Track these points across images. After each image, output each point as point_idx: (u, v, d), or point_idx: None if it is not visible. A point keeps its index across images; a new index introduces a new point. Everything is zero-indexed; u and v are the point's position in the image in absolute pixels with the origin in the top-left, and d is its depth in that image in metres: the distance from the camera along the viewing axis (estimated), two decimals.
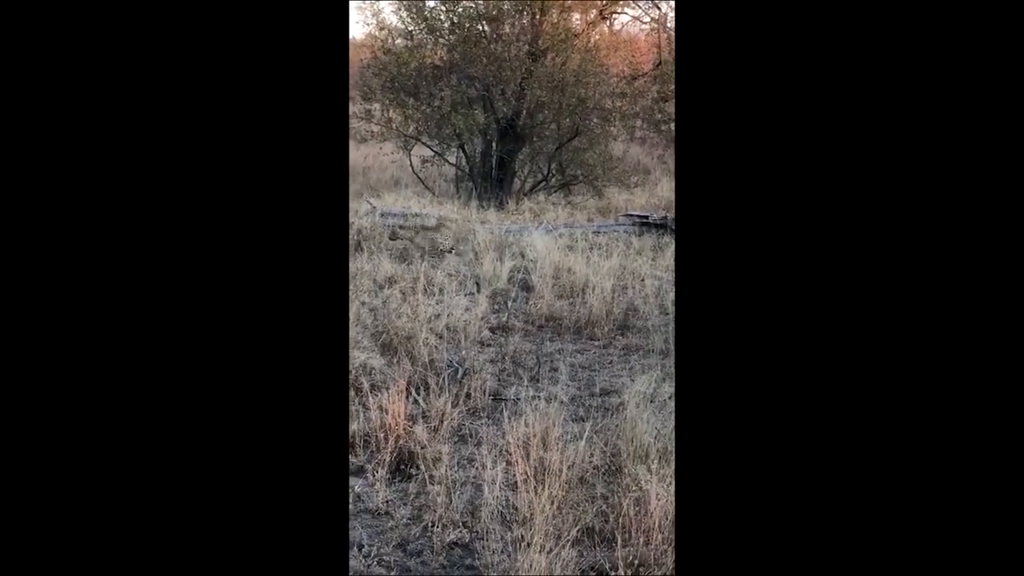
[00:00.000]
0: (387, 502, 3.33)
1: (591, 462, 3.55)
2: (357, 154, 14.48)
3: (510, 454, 3.50)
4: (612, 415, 4.11)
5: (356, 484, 3.48)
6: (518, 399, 4.38)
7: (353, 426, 3.83)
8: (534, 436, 3.55)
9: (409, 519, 3.22)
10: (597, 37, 12.76)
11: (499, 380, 4.78)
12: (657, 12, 14.04)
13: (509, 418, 3.83)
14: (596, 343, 5.59)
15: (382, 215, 9.52)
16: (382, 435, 3.74)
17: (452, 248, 8.03)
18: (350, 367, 4.53)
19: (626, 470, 3.44)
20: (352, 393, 4.19)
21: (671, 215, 8.94)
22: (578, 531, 3.01)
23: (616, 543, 2.94)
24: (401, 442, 3.70)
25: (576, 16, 12.39)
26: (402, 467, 3.61)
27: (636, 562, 2.87)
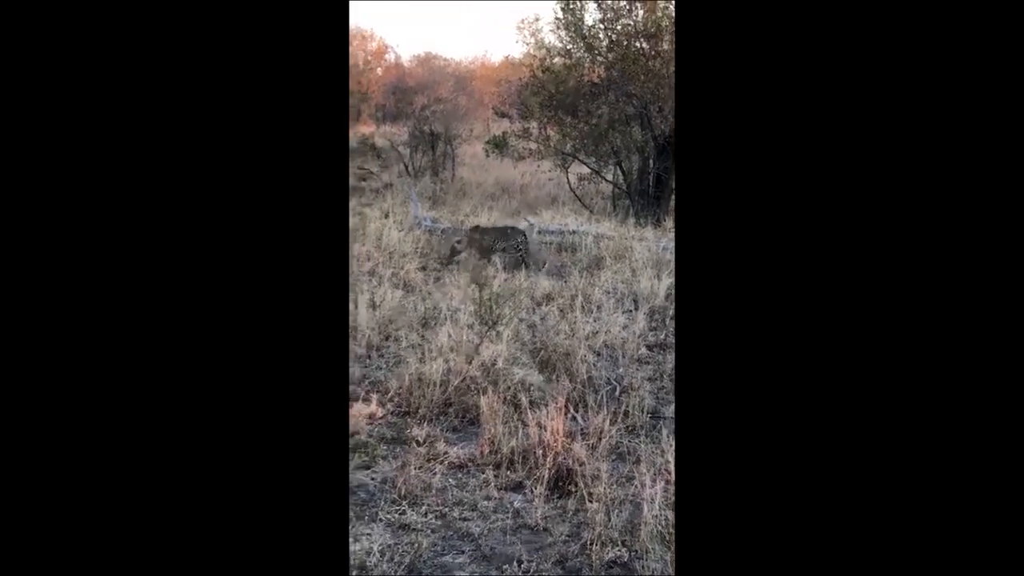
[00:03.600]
0: (545, 518, 3.34)
1: None
2: (515, 172, 14.68)
3: (669, 472, 3.45)
4: None
5: (515, 500, 3.51)
6: None
7: (512, 442, 3.87)
8: None
9: (568, 536, 3.22)
10: None
11: (657, 398, 4.73)
12: None
13: (668, 436, 3.78)
14: None
15: (539, 232, 9.62)
16: (540, 452, 3.76)
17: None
18: (508, 383, 4.59)
19: None
20: (511, 409, 4.23)
21: None
22: None
23: None
24: (559, 459, 3.70)
25: None
26: (560, 484, 3.61)
27: None
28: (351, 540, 3.10)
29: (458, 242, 8.28)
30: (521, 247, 8.27)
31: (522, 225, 10.01)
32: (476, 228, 8.67)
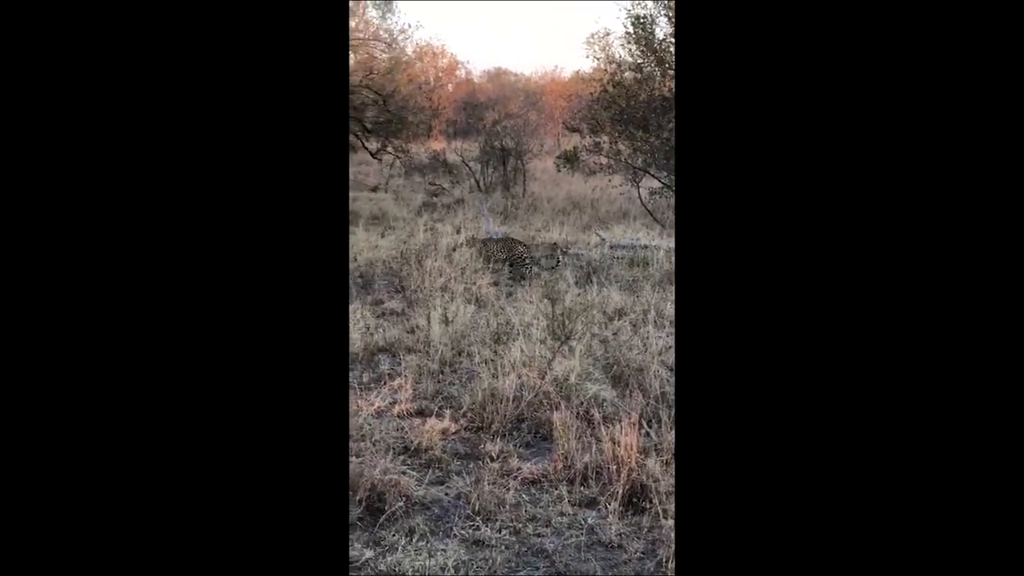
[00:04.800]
0: (620, 535, 3.32)
1: None
2: (586, 186, 14.68)
3: None
4: None
5: (589, 516, 3.50)
6: None
7: (585, 458, 3.86)
8: None
9: (642, 553, 3.20)
10: None
11: None
12: None
13: None
14: None
15: (611, 247, 9.59)
16: (614, 467, 3.74)
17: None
18: (581, 398, 4.58)
19: None
20: (584, 424, 4.22)
21: None
22: None
23: None
24: (633, 475, 3.68)
25: None
26: (634, 500, 3.59)
27: None
28: (427, 555, 3.13)
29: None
30: (527, 258, 8.22)
31: (593, 240, 9.99)
32: (472, 239, 8.65)
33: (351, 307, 6.63)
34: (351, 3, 16.77)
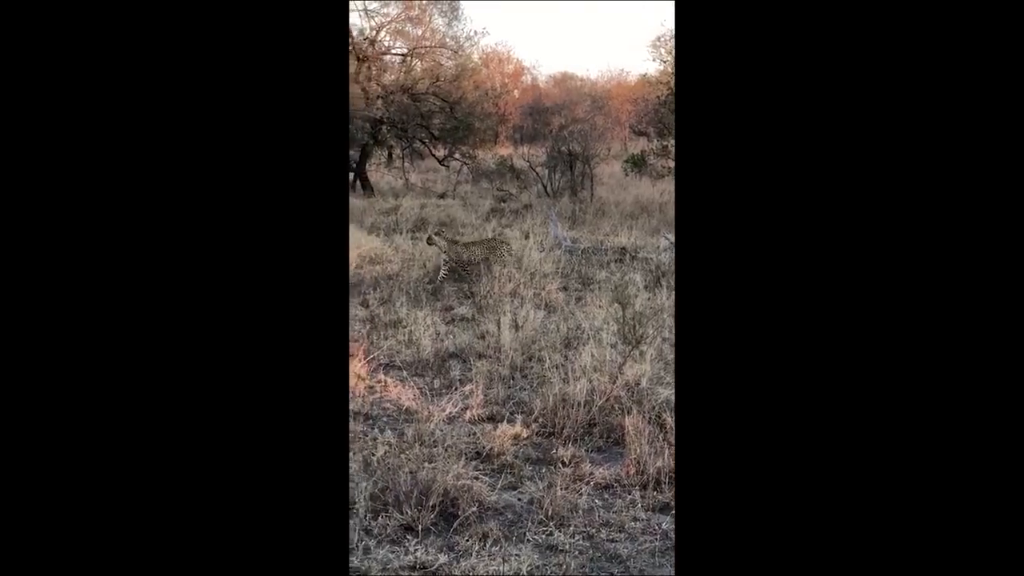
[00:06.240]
0: None
1: None
2: (653, 190, 14.58)
3: None
4: None
5: (663, 521, 3.47)
6: None
7: (658, 463, 3.83)
8: None
9: None
10: None
11: None
12: None
13: None
14: None
15: None
16: None
17: None
18: (652, 403, 4.55)
19: None
20: (656, 429, 4.19)
21: None
22: None
23: None
24: None
25: None
26: None
27: None
28: (500, 561, 3.14)
29: (444, 262, 8.30)
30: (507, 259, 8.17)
31: (662, 243, 9.93)
32: (456, 242, 8.61)
33: (421, 313, 6.69)
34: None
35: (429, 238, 8.59)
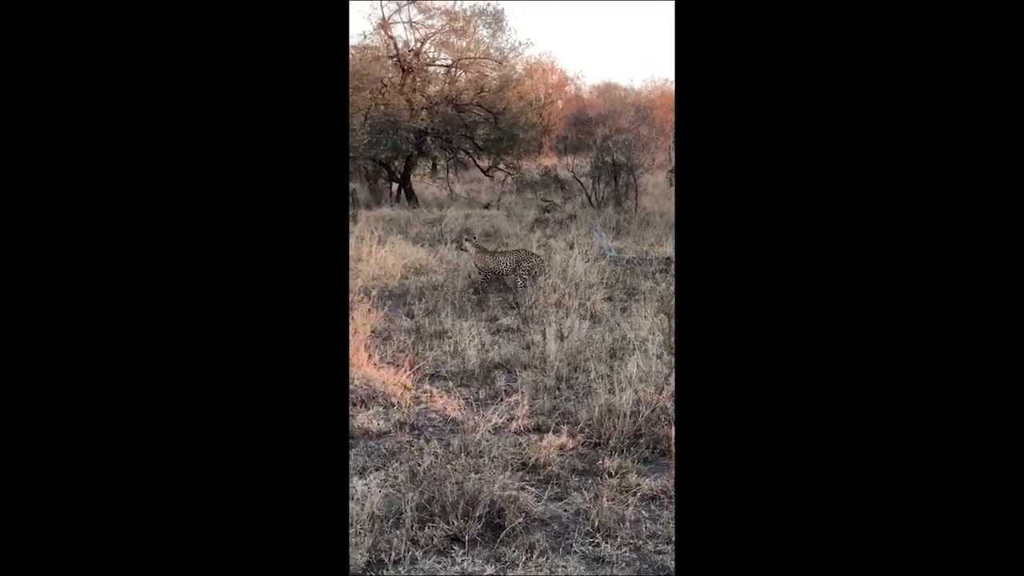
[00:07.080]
0: None
1: None
2: None
3: None
4: None
5: None
6: None
7: None
8: None
9: None
10: None
11: None
12: None
13: None
14: None
15: None
16: None
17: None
18: None
19: None
20: None
21: None
22: None
23: None
24: None
25: None
26: None
27: None
28: (547, 572, 3.13)
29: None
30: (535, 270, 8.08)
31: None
32: (485, 250, 8.55)
33: (466, 324, 6.71)
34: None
35: (460, 244, 8.62)
